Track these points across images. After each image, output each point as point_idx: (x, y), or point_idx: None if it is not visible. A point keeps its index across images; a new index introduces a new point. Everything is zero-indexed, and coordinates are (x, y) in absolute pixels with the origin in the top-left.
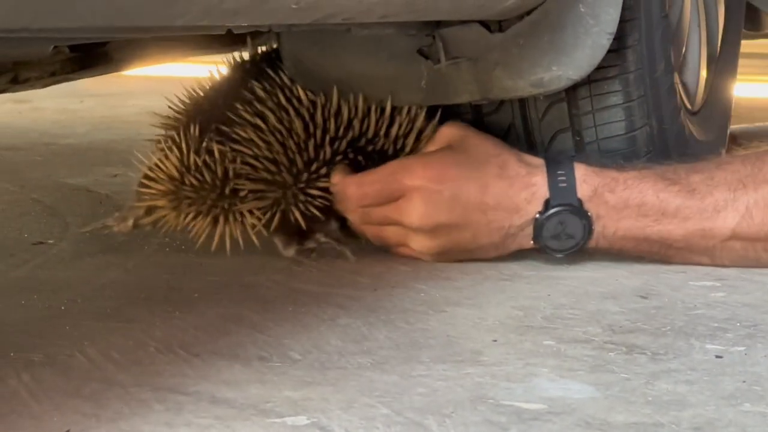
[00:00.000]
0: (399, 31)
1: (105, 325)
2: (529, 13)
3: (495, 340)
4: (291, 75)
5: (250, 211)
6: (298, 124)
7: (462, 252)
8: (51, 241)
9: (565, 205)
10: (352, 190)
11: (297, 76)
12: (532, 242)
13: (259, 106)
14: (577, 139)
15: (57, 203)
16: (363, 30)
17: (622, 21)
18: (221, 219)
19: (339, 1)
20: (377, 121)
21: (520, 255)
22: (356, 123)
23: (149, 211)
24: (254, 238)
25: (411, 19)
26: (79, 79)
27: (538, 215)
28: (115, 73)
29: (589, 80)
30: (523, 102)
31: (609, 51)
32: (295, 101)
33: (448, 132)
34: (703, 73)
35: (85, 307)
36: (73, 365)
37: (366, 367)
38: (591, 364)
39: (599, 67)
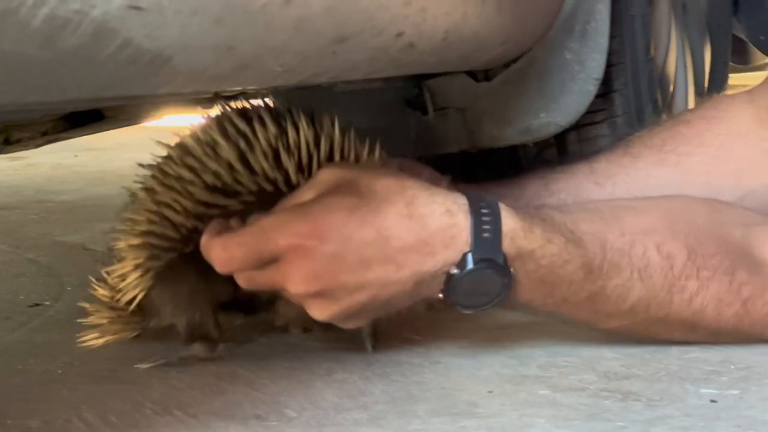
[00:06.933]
0: (386, 84)
1: (102, 387)
2: (515, 61)
3: (490, 391)
4: None
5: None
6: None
7: (374, 310)
8: (47, 303)
9: (488, 260)
10: (217, 253)
11: None
12: (440, 295)
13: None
14: None
15: (53, 263)
16: (349, 86)
17: (608, 66)
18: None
19: (324, 62)
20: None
21: None
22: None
23: None
24: None
25: (397, 74)
26: (71, 138)
27: (456, 271)
28: None
29: (577, 125)
30: (513, 149)
31: (596, 96)
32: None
33: (331, 175)
34: None
35: (81, 370)
36: (71, 430)
37: (362, 423)
38: (586, 413)
39: (587, 112)
